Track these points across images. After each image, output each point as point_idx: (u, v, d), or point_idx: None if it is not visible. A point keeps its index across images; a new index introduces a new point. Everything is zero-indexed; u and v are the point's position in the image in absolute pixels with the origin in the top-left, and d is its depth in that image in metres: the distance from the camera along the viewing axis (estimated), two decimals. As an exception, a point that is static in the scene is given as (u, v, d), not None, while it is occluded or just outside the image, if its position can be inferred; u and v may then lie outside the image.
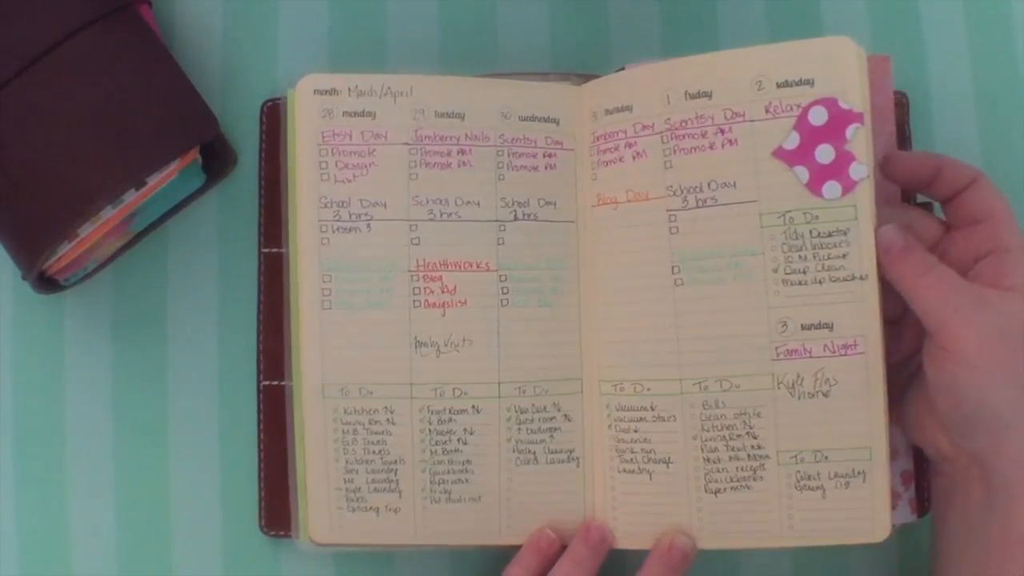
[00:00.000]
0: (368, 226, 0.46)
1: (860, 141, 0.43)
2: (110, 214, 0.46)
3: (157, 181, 0.47)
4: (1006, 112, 0.52)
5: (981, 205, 0.44)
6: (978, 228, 0.44)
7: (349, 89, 0.46)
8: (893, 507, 0.45)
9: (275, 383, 0.49)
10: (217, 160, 0.50)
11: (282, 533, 0.49)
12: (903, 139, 0.50)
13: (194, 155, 0.48)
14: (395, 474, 0.46)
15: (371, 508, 0.46)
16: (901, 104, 0.51)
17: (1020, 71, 0.52)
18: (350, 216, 0.46)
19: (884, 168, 0.45)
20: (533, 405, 0.46)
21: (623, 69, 0.47)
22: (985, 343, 0.41)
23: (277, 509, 0.49)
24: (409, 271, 0.46)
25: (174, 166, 0.47)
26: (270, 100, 0.51)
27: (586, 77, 0.48)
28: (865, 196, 0.42)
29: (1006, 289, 0.42)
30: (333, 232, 0.46)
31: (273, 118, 0.50)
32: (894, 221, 0.43)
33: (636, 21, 0.52)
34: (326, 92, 0.46)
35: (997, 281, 0.42)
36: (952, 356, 0.41)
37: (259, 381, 0.50)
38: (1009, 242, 0.43)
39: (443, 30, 0.52)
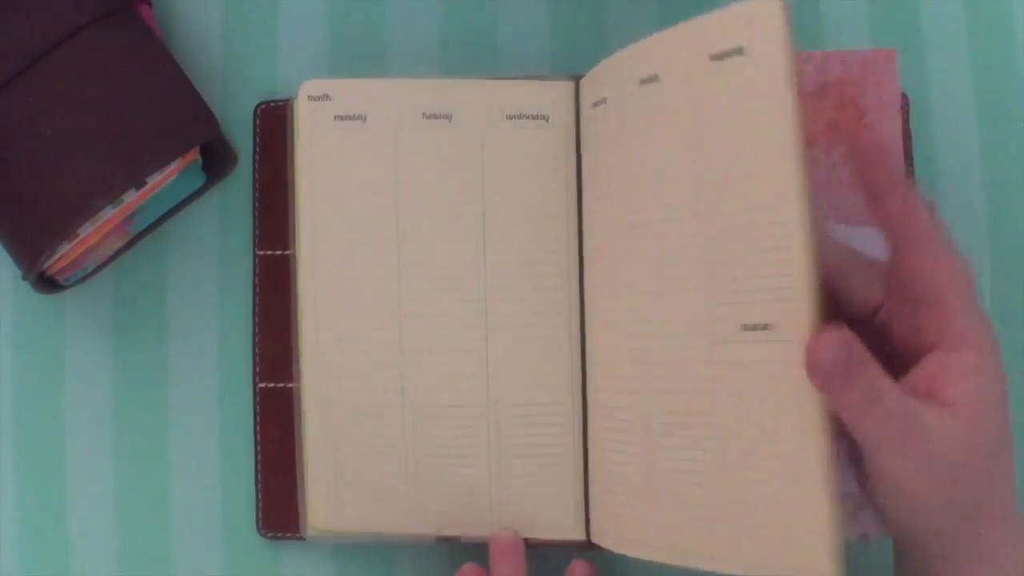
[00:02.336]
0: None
1: None
2: (110, 214, 0.46)
3: (157, 181, 0.47)
4: (1006, 112, 0.51)
5: (926, 286, 0.37)
6: (923, 310, 0.37)
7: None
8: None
9: (272, 385, 0.49)
10: (217, 160, 0.50)
11: (279, 534, 0.49)
12: (903, 139, 0.50)
13: (194, 155, 0.48)
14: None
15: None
16: (901, 105, 0.50)
17: (1020, 71, 0.52)
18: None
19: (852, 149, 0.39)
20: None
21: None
22: (921, 475, 0.36)
23: (274, 510, 0.49)
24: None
25: (174, 166, 0.47)
26: (263, 103, 0.51)
27: (585, 78, 0.48)
28: None
29: (948, 404, 0.36)
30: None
31: (267, 121, 0.50)
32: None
33: (636, 22, 0.52)
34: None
35: (941, 387, 0.36)
36: (886, 485, 0.37)
37: (255, 383, 0.50)
38: (959, 337, 0.36)
39: (443, 31, 0.52)
